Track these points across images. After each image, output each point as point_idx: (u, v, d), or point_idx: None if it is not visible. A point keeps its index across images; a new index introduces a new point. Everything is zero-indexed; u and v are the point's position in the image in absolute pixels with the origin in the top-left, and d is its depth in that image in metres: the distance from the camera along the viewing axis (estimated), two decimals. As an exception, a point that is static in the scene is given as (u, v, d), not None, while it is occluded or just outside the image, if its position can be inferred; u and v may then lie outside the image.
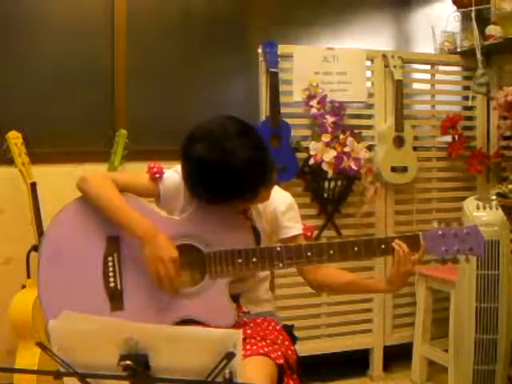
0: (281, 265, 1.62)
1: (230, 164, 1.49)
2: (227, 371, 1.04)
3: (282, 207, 1.73)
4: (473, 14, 3.02)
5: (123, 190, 1.66)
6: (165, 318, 1.58)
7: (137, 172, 1.83)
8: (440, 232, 1.62)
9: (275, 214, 1.73)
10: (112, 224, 1.61)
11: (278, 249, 1.62)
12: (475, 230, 1.62)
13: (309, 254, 1.61)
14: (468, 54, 3.14)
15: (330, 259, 1.62)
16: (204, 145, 1.52)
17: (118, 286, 1.61)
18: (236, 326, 1.61)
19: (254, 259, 1.60)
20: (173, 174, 1.69)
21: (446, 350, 2.81)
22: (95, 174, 1.69)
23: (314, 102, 2.86)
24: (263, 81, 2.83)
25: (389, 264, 2.92)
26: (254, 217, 1.72)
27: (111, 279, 1.61)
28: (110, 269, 1.61)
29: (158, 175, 1.68)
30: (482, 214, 2.47)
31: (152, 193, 1.69)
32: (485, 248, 1.63)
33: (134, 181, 1.70)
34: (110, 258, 1.62)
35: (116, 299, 1.61)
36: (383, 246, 1.62)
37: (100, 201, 1.61)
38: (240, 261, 1.60)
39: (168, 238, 1.58)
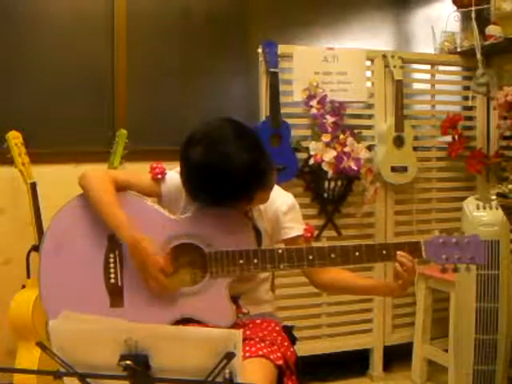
0: (282, 267, 1.61)
1: (227, 168, 1.49)
2: (227, 371, 1.04)
3: (284, 208, 1.73)
4: (473, 14, 3.02)
5: (125, 188, 1.66)
6: (164, 317, 1.58)
7: (137, 172, 1.83)
8: (441, 240, 1.61)
9: (277, 215, 1.73)
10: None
11: (280, 251, 1.61)
12: (476, 240, 1.61)
13: (310, 257, 1.61)
14: (468, 54, 3.14)
15: (332, 263, 1.62)
16: (201, 148, 1.52)
17: (119, 283, 1.61)
18: (235, 326, 1.61)
19: (256, 260, 1.60)
20: (175, 174, 1.69)
21: (446, 350, 2.81)
22: (97, 171, 1.69)
23: (314, 102, 2.86)
24: (263, 81, 2.83)
25: (388, 265, 2.92)
26: (255, 217, 1.72)
27: (112, 276, 1.61)
28: (111, 265, 1.62)
29: (160, 176, 1.68)
30: (482, 213, 2.47)
31: (154, 193, 1.70)
32: (485, 257, 1.63)
33: (136, 180, 1.70)
34: (111, 255, 1.62)
35: (116, 296, 1.61)
36: (385, 252, 1.62)
37: (95, 202, 1.61)
38: (241, 261, 1.59)
39: (155, 243, 1.58)
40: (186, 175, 1.58)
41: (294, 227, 1.74)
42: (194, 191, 1.59)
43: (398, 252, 1.60)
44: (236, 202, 1.57)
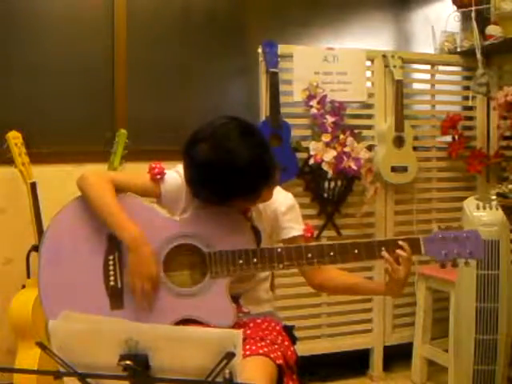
0: (281, 266, 1.61)
1: (234, 164, 1.50)
2: (227, 371, 1.04)
3: (283, 208, 1.73)
4: (473, 14, 3.02)
5: (124, 189, 1.66)
6: (165, 318, 1.58)
7: (137, 172, 1.83)
8: (440, 235, 1.61)
9: (276, 215, 1.73)
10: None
11: (279, 250, 1.61)
12: (475, 234, 1.61)
13: (309, 255, 1.61)
14: (468, 54, 3.14)
15: (331, 261, 1.62)
16: (207, 145, 1.52)
17: (119, 285, 1.61)
18: (236, 326, 1.61)
19: (255, 260, 1.60)
20: (174, 174, 1.69)
21: (446, 350, 2.81)
22: (96, 172, 1.69)
23: (314, 102, 2.86)
24: (263, 81, 2.83)
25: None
26: (254, 217, 1.72)
27: (111, 278, 1.61)
28: (111, 267, 1.62)
29: (159, 176, 1.68)
30: (482, 214, 2.47)
31: (153, 193, 1.69)
32: (485, 252, 1.63)
33: (135, 181, 1.70)
34: (110, 257, 1.62)
35: (116, 298, 1.61)
36: (384, 249, 1.62)
37: (94, 202, 1.61)
38: (241, 261, 1.60)
39: (154, 250, 1.58)
40: (191, 173, 1.58)
41: (294, 227, 1.74)
42: (198, 189, 1.59)
43: (400, 242, 1.59)
44: (241, 199, 1.58)
